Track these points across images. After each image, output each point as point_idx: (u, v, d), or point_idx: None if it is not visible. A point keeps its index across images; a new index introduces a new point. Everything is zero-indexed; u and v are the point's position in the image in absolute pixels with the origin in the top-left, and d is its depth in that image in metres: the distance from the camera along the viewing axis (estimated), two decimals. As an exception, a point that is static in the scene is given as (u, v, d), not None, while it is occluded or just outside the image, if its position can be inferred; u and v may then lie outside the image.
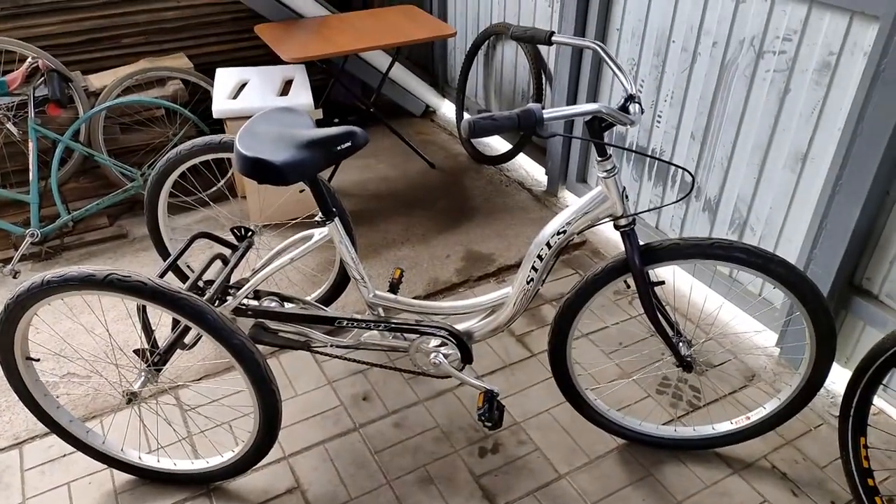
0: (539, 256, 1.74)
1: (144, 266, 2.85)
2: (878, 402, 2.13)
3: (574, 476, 1.97)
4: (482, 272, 2.81)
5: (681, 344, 1.81)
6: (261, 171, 1.61)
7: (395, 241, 3.00)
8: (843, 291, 2.10)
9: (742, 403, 2.18)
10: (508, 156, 3.48)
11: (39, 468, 1.99)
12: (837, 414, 2.06)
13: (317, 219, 1.84)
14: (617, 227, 1.66)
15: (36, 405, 1.82)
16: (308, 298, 2.31)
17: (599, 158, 1.58)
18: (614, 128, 1.53)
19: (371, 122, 3.71)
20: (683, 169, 1.53)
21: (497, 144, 3.73)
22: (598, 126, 1.52)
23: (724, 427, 1.97)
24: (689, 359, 1.81)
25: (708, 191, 2.51)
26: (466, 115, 1.27)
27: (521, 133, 1.30)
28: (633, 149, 1.57)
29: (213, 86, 3.24)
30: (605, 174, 1.60)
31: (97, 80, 3.22)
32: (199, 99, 3.35)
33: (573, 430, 2.10)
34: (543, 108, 1.35)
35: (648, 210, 1.55)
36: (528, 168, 3.56)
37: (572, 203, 1.70)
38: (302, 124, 1.76)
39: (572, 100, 2.99)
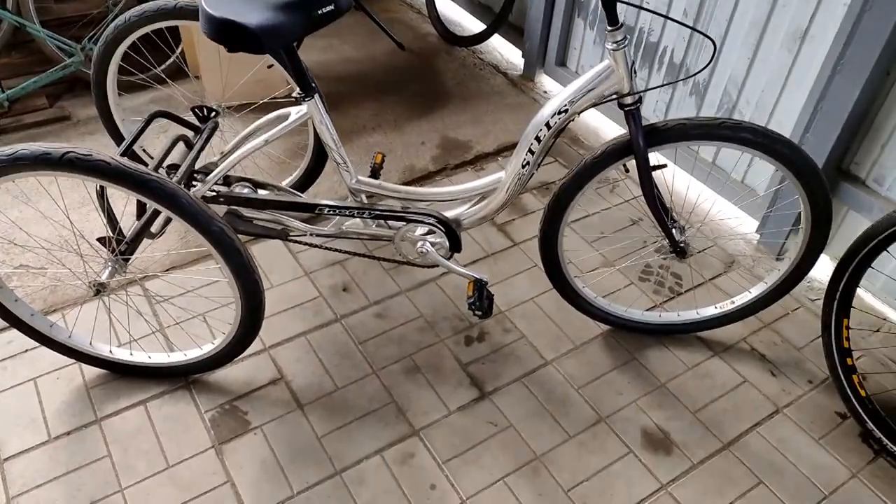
0: (537, 138, 1.63)
1: (93, 151, 2.61)
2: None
3: (560, 362, 1.97)
4: (459, 160, 2.69)
5: (675, 230, 1.77)
6: (232, 35, 1.43)
7: (366, 126, 2.83)
8: (830, 176, 2.08)
9: (721, 289, 2.20)
10: (482, 37, 3.27)
11: (1, 364, 1.87)
12: (814, 298, 2.11)
13: (294, 95, 1.67)
14: (622, 105, 1.56)
15: (-9, 298, 1.68)
16: (282, 185, 2.17)
17: (610, 28, 1.45)
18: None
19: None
20: (705, 35, 1.42)
21: (470, 24, 3.51)
22: (610, -8, 1.38)
23: (709, 312, 1.98)
24: (682, 244, 1.77)
25: (675, 56, 2.41)
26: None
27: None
28: (651, 9, 1.44)
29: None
30: (614, 45, 1.47)
31: (20, -62, 2.81)
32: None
33: (558, 318, 2.09)
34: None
35: (660, 86, 1.45)
36: (502, 50, 3.37)
37: (575, 80, 1.58)
38: (275, -16, 1.55)
39: (555, -27, 2.78)
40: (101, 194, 1.59)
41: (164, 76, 2.52)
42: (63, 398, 1.80)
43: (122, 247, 1.61)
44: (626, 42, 1.47)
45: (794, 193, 1.67)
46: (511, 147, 2.77)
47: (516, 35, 3.24)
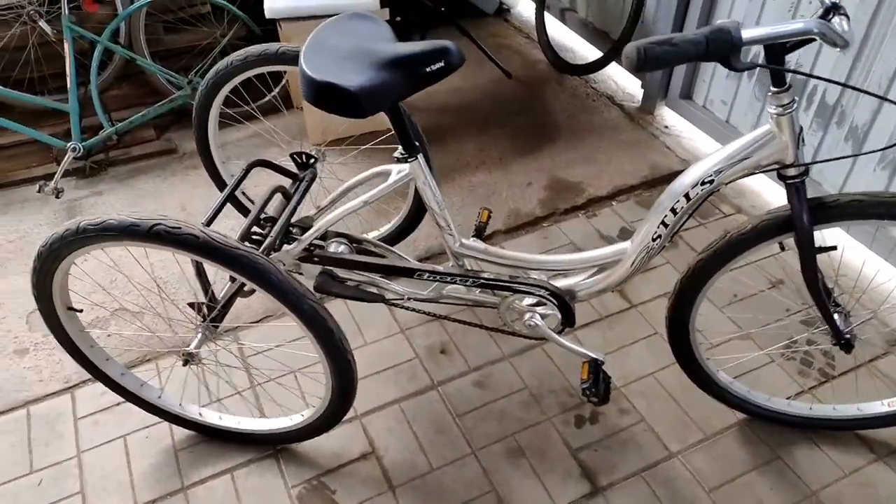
0: (673, 210, 1.39)
1: (197, 187, 2.59)
2: None
3: (687, 455, 1.71)
4: (569, 204, 2.47)
5: (838, 316, 1.47)
6: (332, 98, 1.28)
7: (469, 164, 2.66)
8: None
9: (885, 374, 1.86)
10: (597, 65, 3.03)
11: (93, 417, 1.83)
12: None
13: (396, 154, 1.52)
14: (783, 177, 1.30)
15: (83, 357, 1.63)
16: (375, 237, 2.04)
17: (776, 89, 1.19)
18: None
19: (437, 23, 3.27)
20: None
21: (583, 51, 3.27)
22: (779, 48, 1.13)
23: (874, 408, 1.66)
24: (848, 335, 1.48)
25: (855, 116, 2.07)
26: (630, 43, 0.91)
27: (708, 56, 0.92)
28: (831, 79, 1.17)
29: (264, -21, 2.85)
30: (780, 110, 1.21)
31: (135, -28, 2.85)
32: (249, -6, 2.96)
33: (683, 398, 1.83)
34: (740, 25, 0.97)
35: (833, 159, 1.19)
36: (618, 79, 3.11)
37: (725, 145, 1.32)
38: (381, 36, 1.40)
39: (684, 1, 2.50)
40: (195, 260, 1.50)
41: (259, 115, 2.45)
42: (151, 460, 1.73)
43: (213, 313, 1.51)
44: (794, 106, 1.21)
45: None
46: (627, 191, 2.51)
47: (635, 63, 2.97)
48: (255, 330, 2.03)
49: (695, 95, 2.68)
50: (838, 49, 1.04)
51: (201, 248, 1.27)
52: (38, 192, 2.42)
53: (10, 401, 1.87)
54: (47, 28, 2.59)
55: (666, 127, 2.80)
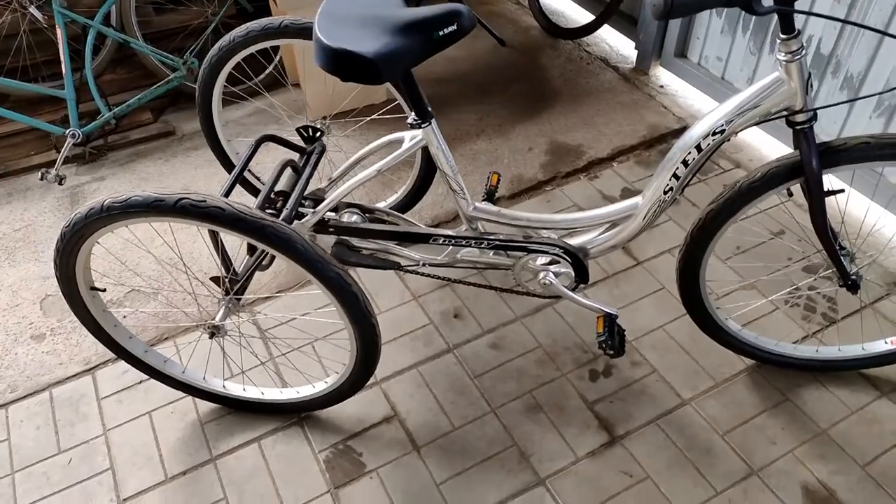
0: (684, 161, 1.43)
1: (198, 168, 2.60)
2: None
3: (700, 402, 1.77)
4: (571, 167, 2.49)
5: (845, 259, 1.52)
6: (348, 66, 1.30)
7: (469, 133, 2.67)
8: None
9: (886, 316, 1.92)
10: (590, 28, 3.04)
11: (116, 396, 1.86)
12: None
13: (410, 121, 1.54)
14: (792, 123, 1.33)
15: (107, 336, 1.65)
16: (386, 207, 2.06)
17: (784, 36, 1.22)
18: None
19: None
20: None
21: (574, 15, 3.27)
22: (788, -8, 1.16)
23: (878, 347, 1.72)
24: (855, 277, 1.53)
25: (850, 65, 2.11)
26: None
27: (732, 2, 0.95)
28: (839, 17, 1.20)
29: (252, -46, 2.83)
30: (788, 56, 1.25)
31: (122, -47, 2.81)
32: (238, -29, 2.94)
33: (693, 348, 1.88)
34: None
35: (841, 103, 1.22)
36: (611, 42, 3.12)
37: (735, 95, 1.35)
38: (390, 3, 1.41)
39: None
40: (215, 235, 1.52)
41: (262, 90, 2.45)
42: (178, 434, 1.77)
43: (236, 287, 1.54)
44: (803, 52, 1.24)
45: None
46: (626, 151, 2.54)
47: (628, 25, 2.98)
48: (274, 303, 2.06)
49: (689, 53, 2.70)
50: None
51: (227, 219, 1.29)
52: (41, 179, 2.42)
53: (32, 385, 1.89)
54: (38, 14, 2.57)
55: (661, 86, 2.83)
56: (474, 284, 1.81)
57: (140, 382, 1.88)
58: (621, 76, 2.92)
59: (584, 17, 3.18)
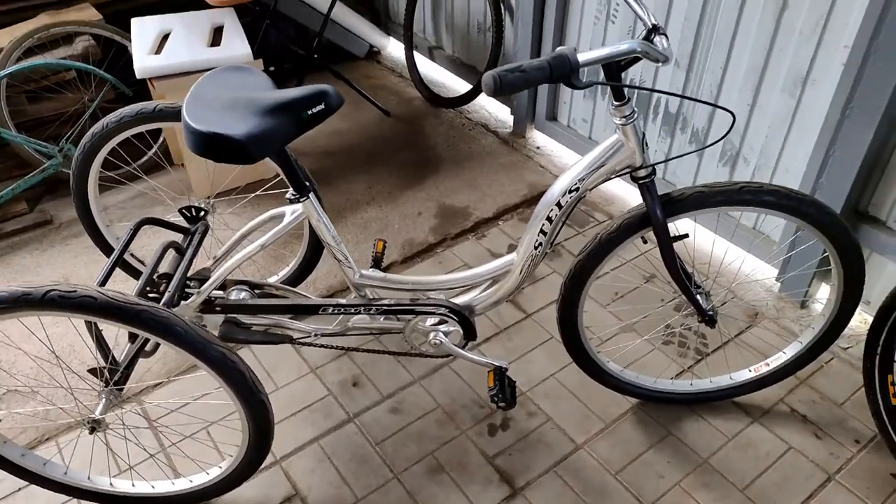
0: (548, 218, 1.54)
1: (78, 255, 2.51)
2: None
3: (592, 445, 1.85)
4: (459, 228, 2.60)
5: (700, 297, 1.67)
6: (218, 148, 1.34)
7: (360, 201, 2.74)
8: (849, 219, 2.00)
9: (749, 346, 2.09)
10: (468, 97, 3.22)
11: (-9, 508, 1.73)
12: (846, 346, 2.01)
13: (289, 196, 1.58)
14: (635, 178, 1.48)
15: (-23, 444, 1.55)
16: (275, 281, 2.07)
17: (617, 103, 1.37)
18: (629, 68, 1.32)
19: (311, 70, 3.36)
20: (724, 109, 1.34)
21: (454, 85, 3.46)
22: (615, 67, 1.31)
23: (743, 376, 1.87)
24: (710, 312, 1.67)
25: (695, 122, 2.35)
26: (487, 72, 1.04)
27: (553, 79, 1.07)
28: (664, 90, 1.36)
29: (127, 39, 2.84)
30: (623, 120, 1.39)
31: (-11, 43, 2.76)
32: (114, 56, 2.93)
33: (582, 394, 1.97)
34: (577, 50, 1.12)
35: (673, 158, 1.38)
36: (490, 109, 3.32)
37: (584, 156, 1.49)
38: (259, 85, 1.47)
39: (538, 32, 2.74)
40: (91, 324, 1.48)
41: (140, 173, 2.43)
42: (61, 542, 1.66)
43: (115, 376, 1.49)
44: (636, 116, 1.40)
45: (818, 245, 1.58)
46: (510, 210, 2.68)
47: (502, 92, 3.18)
48: (161, 391, 1.99)
49: (559, 116, 2.92)
50: (660, 63, 1.23)
51: (101, 309, 1.27)
52: None
53: None
54: None
55: (538, 147, 3.02)
56: (369, 351, 1.84)
57: (19, 490, 1.76)
58: (501, 140, 3.10)
59: (462, 87, 3.37)
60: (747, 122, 2.18)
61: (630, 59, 1.29)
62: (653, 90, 1.18)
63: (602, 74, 1.33)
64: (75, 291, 1.27)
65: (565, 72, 1.09)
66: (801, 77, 1.98)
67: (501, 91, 1.08)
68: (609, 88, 1.35)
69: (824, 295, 2.17)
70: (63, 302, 1.26)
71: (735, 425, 1.88)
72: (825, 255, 1.58)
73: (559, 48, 1.14)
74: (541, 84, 1.11)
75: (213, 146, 1.33)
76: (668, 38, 1.27)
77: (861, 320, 2.13)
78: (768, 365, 1.85)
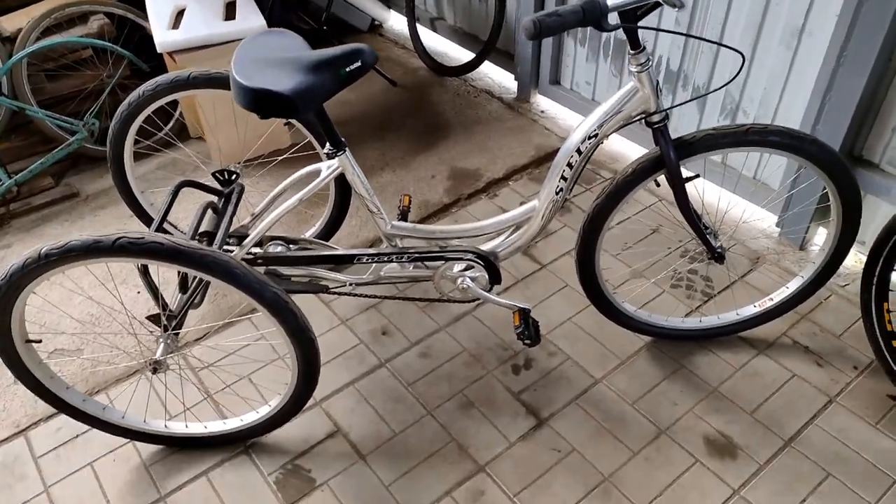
0: (569, 164, 1.66)
1: (108, 225, 2.61)
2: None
3: (610, 378, 1.98)
4: (472, 189, 2.72)
5: (709, 236, 1.79)
6: (267, 103, 1.45)
7: (374, 167, 2.85)
8: (844, 165, 2.12)
9: (753, 286, 2.23)
10: (472, 65, 3.31)
11: (53, 453, 1.85)
12: (843, 284, 2.15)
13: (326, 151, 1.69)
14: (649, 123, 1.60)
15: (43, 389, 1.67)
16: (308, 237, 2.18)
17: (633, 51, 1.49)
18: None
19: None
20: (734, 50, 1.46)
21: (457, 54, 3.55)
22: (632, 14, 1.42)
23: (749, 311, 2.01)
24: (720, 249, 1.80)
25: (696, 78, 2.46)
26: (526, 18, 1.15)
27: (585, 22, 1.19)
28: (678, 31, 1.48)
29: (142, 17, 2.92)
30: (638, 67, 1.51)
31: (8, 23, 2.83)
32: (129, 33, 3.01)
33: (599, 334, 2.11)
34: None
35: (687, 101, 1.49)
36: (493, 76, 3.42)
37: (601, 104, 1.61)
38: (298, 46, 1.58)
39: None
40: (145, 273, 1.59)
41: (174, 139, 2.53)
42: (124, 480, 1.79)
43: (173, 322, 1.61)
44: (650, 63, 1.51)
45: (814, 187, 1.70)
46: (520, 171, 2.80)
47: (506, 59, 3.29)
48: (210, 339, 2.12)
49: (562, 80, 3.02)
50: (676, 8, 1.34)
51: (167, 253, 1.38)
52: (-57, 251, 2.37)
53: (-40, 455, 1.85)
54: (-75, 87, 2.54)
55: (542, 111, 3.13)
56: (403, 298, 1.97)
57: (77, 436, 1.88)
58: (506, 105, 3.20)
59: (465, 56, 3.46)
60: (747, 75, 2.30)
61: (647, 7, 1.40)
62: (666, 31, 1.30)
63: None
64: (143, 238, 1.38)
65: (596, 15, 1.21)
66: (798, 29, 2.10)
67: (541, 34, 1.19)
68: (628, 46, 1.46)
69: (821, 240, 2.31)
70: (132, 248, 1.37)
71: (742, 357, 2.02)
72: (824, 191, 1.70)
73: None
74: (574, 27, 1.23)
75: (263, 102, 1.43)
76: (681, -12, 1.38)
77: (857, 260, 2.26)
78: (772, 300, 1.99)
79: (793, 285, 1.95)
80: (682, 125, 2.58)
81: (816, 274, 1.89)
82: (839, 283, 2.21)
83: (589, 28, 2.69)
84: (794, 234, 2.32)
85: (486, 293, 1.87)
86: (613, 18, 1.32)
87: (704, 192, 2.34)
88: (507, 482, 1.75)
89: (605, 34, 2.66)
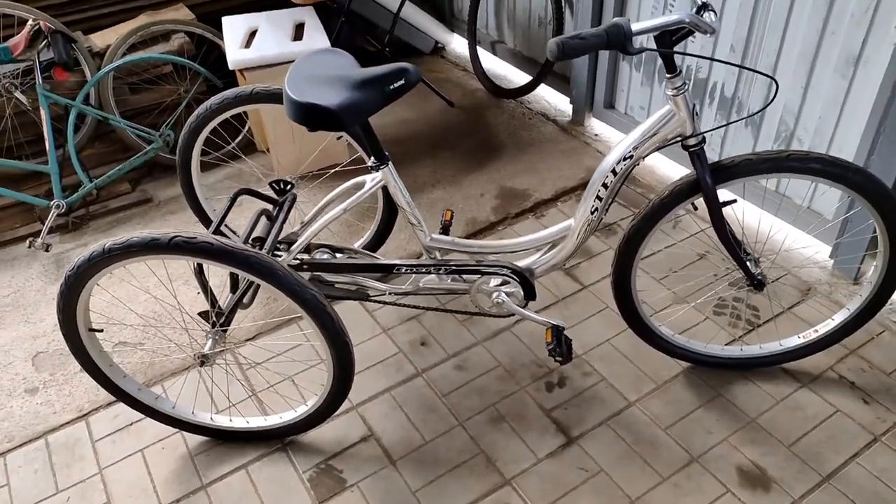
0: (604, 185, 1.69)
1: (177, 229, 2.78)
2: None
3: (644, 402, 1.97)
4: (519, 209, 2.76)
5: (749, 263, 1.78)
6: (315, 116, 1.54)
7: (426, 184, 2.93)
8: (901, 197, 2.06)
9: (800, 317, 2.18)
10: (528, 88, 3.38)
11: (110, 438, 1.98)
12: (901, 320, 2.07)
13: (369, 164, 1.78)
14: (686, 146, 1.61)
15: (103, 376, 1.80)
16: (357, 247, 2.27)
17: (669, 75, 1.51)
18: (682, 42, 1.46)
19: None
20: (768, 76, 1.47)
21: (515, 77, 3.62)
22: (668, 39, 1.45)
23: (792, 342, 1.96)
24: (759, 277, 1.78)
25: (751, 105, 2.44)
26: (551, 39, 1.20)
27: (609, 45, 1.23)
28: (713, 57, 1.49)
29: (218, 37, 3.12)
30: (674, 91, 1.53)
31: (99, 40, 3.08)
32: (206, 51, 3.22)
33: (636, 357, 2.10)
34: (629, 21, 1.28)
35: (720, 126, 1.50)
36: (549, 99, 3.46)
37: (637, 126, 1.63)
38: (348, 65, 1.67)
39: (597, 24, 2.87)
40: (200, 272, 1.71)
41: (238, 152, 2.69)
42: (170, 467, 1.90)
43: (221, 319, 1.72)
44: (686, 87, 1.53)
45: (868, 217, 1.67)
46: (568, 192, 2.83)
47: (562, 83, 3.33)
48: (257, 340, 2.23)
49: (616, 104, 3.04)
50: (707, 34, 1.36)
51: (217, 253, 1.49)
52: (29, 247, 2.58)
53: (28, 434, 2.01)
54: (23, 98, 2.79)
55: (596, 135, 3.15)
56: (440, 310, 2.03)
57: (131, 424, 2.01)
58: (560, 128, 3.24)
59: (523, 78, 3.53)
60: (801, 103, 2.27)
61: (682, 34, 1.43)
62: (693, 55, 1.32)
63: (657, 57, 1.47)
64: (196, 238, 1.49)
65: (619, 39, 1.24)
66: (854, 58, 2.06)
67: (564, 55, 1.24)
68: (664, 70, 1.49)
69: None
70: (186, 246, 1.48)
71: (784, 389, 1.97)
72: (870, 222, 1.66)
73: (615, 18, 1.29)
74: (598, 49, 1.27)
75: (310, 115, 1.53)
76: (716, 14, 1.40)
77: (914, 296, 2.18)
78: (817, 332, 1.94)
79: (838, 317, 1.90)
80: (734, 151, 2.55)
81: (863, 306, 1.84)
82: (894, 318, 2.13)
83: (644, 53, 2.72)
84: (847, 264, 2.25)
85: (520, 308, 1.91)
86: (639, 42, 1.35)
87: (744, 215, 2.32)
88: (531, 497, 1.76)
89: (658, 58, 2.67)
